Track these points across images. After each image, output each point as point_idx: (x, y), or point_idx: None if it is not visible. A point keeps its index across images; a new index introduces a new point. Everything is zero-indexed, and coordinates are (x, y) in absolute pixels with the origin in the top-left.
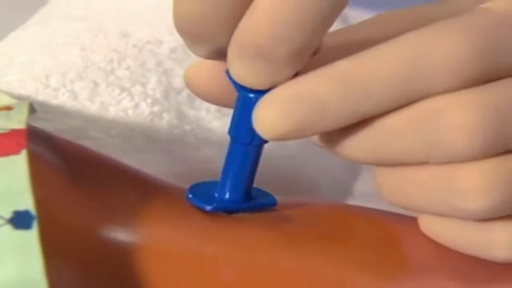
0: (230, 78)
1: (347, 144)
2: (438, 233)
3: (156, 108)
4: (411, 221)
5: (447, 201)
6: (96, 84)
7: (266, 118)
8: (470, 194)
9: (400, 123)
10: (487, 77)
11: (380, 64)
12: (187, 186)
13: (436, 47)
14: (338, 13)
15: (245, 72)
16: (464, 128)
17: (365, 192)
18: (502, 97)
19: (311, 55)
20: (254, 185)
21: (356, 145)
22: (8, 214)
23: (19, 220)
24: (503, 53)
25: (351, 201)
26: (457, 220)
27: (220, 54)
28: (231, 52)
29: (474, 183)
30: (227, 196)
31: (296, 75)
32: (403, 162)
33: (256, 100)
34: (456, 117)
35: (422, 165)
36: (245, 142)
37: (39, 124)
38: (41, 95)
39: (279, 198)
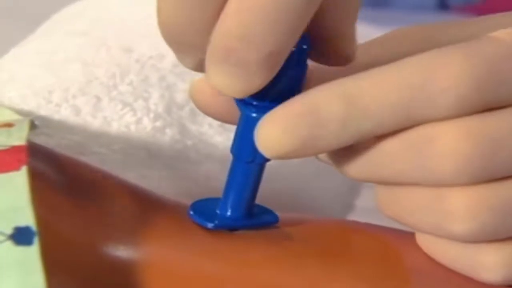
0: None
1: (347, 163)
2: (432, 251)
3: (158, 123)
4: (411, 237)
5: (436, 222)
6: (98, 99)
7: (268, 136)
8: (456, 217)
9: (395, 146)
10: (488, 105)
11: (382, 88)
12: (189, 201)
13: (436, 74)
14: (310, 13)
15: (220, 78)
16: (454, 156)
17: (367, 208)
18: (497, 128)
19: (345, 63)
20: (256, 201)
21: (355, 164)
22: (9, 230)
23: (20, 236)
24: (506, 83)
25: (353, 217)
26: (449, 240)
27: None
28: (207, 58)
29: (460, 207)
30: (229, 213)
31: (297, 92)
32: (399, 183)
33: (258, 118)
34: (447, 144)
35: (416, 186)
36: (247, 160)
37: (41, 139)
38: (43, 111)
39: (280, 214)
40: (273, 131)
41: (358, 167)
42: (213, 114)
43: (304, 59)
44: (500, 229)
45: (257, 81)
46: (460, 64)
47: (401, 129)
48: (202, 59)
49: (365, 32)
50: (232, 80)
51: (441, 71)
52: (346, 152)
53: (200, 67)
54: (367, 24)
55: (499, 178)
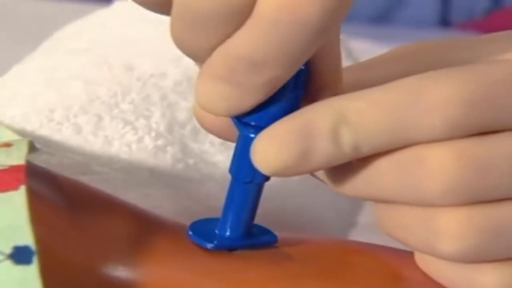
0: (233, 117)
1: (339, 180)
2: (430, 270)
3: (160, 142)
4: (411, 257)
5: (427, 241)
6: (100, 118)
7: (263, 152)
8: (445, 237)
9: (386, 165)
10: (482, 129)
11: (374, 108)
12: (190, 220)
13: (425, 96)
14: (318, 45)
15: (212, 96)
16: (443, 178)
17: (369, 224)
18: (488, 152)
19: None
20: (257, 218)
21: (348, 182)
22: (8, 250)
23: (19, 256)
24: (502, 108)
25: (355, 232)
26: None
27: None
28: (202, 74)
29: (449, 227)
30: (227, 233)
31: (295, 109)
32: (390, 201)
33: None
34: (436, 166)
35: (407, 205)
36: (245, 180)
37: (43, 158)
38: (45, 129)
39: (280, 234)
40: (268, 147)
41: (350, 185)
42: (217, 132)
43: (303, 82)
44: (491, 250)
45: (250, 103)
46: (450, 88)
47: (393, 149)
48: None
49: (367, 48)
50: (225, 99)
51: (430, 93)
52: (338, 170)
53: None
54: (368, 40)
55: (489, 200)
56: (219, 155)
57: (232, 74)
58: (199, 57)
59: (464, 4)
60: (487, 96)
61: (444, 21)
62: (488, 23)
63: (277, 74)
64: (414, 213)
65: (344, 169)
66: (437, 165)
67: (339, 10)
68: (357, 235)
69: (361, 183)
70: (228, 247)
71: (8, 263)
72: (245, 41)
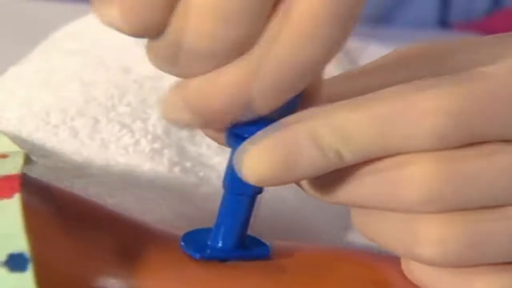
0: (226, 130)
1: (321, 186)
2: (418, 277)
3: (156, 145)
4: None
5: (408, 246)
6: (96, 120)
7: (248, 160)
8: (425, 242)
9: (366, 172)
10: (468, 140)
11: (361, 117)
12: (187, 224)
13: (414, 107)
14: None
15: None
16: (422, 186)
17: None
18: (470, 163)
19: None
20: (252, 222)
21: (327, 188)
22: (3, 257)
23: (14, 263)
24: (492, 120)
25: (351, 235)
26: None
27: None
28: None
29: (429, 233)
30: (220, 244)
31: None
32: (370, 207)
33: None
34: (417, 174)
35: (387, 211)
36: (238, 192)
37: (39, 162)
38: (41, 132)
39: (273, 242)
40: (253, 155)
41: (330, 191)
42: (212, 135)
43: (296, 96)
44: (473, 256)
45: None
46: (438, 99)
47: (381, 157)
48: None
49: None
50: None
51: (418, 104)
52: (319, 176)
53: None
54: (367, 41)
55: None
56: (216, 157)
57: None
58: None
59: (464, 4)
60: (474, 108)
61: (444, 22)
62: (487, 23)
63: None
64: (394, 219)
65: (324, 175)
66: (419, 175)
67: None
68: (352, 238)
69: (341, 189)
70: (220, 258)
71: (3, 271)
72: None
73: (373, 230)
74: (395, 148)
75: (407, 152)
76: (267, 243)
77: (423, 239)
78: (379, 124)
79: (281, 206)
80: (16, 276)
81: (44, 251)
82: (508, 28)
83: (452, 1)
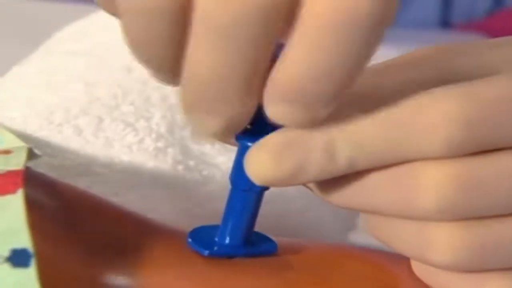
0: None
1: (330, 190)
2: (424, 276)
3: (160, 143)
4: (407, 262)
5: (420, 251)
6: (100, 119)
7: (256, 163)
8: (438, 249)
9: (380, 179)
10: (482, 148)
11: (372, 123)
12: (191, 222)
13: (426, 115)
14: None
15: (285, 116)
16: (436, 195)
17: None
18: (485, 171)
19: None
20: (258, 222)
21: (339, 193)
22: (6, 253)
23: (17, 258)
24: (502, 127)
25: (355, 235)
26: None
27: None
28: (267, 94)
29: (441, 240)
30: (227, 241)
31: None
32: (382, 213)
33: None
34: (430, 183)
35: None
36: (244, 188)
37: (44, 160)
38: (45, 131)
39: (279, 240)
40: (261, 157)
41: (341, 195)
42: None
43: None
44: (484, 262)
45: (326, 114)
46: (450, 106)
47: (392, 165)
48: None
49: None
50: (296, 117)
51: (430, 111)
52: (329, 179)
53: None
54: None
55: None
56: (220, 156)
57: (301, 94)
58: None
59: (465, 5)
60: (486, 115)
61: (445, 22)
62: (489, 24)
63: (345, 81)
64: (406, 224)
65: (335, 178)
66: (433, 184)
67: None
68: (357, 238)
69: (352, 194)
70: (227, 255)
71: (6, 266)
72: (301, 62)
73: (384, 234)
74: (408, 156)
75: (418, 159)
76: (275, 239)
77: (435, 246)
78: (393, 131)
79: (286, 206)
80: (19, 272)
81: (47, 246)
82: (509, 28)
83: (454, 2)
